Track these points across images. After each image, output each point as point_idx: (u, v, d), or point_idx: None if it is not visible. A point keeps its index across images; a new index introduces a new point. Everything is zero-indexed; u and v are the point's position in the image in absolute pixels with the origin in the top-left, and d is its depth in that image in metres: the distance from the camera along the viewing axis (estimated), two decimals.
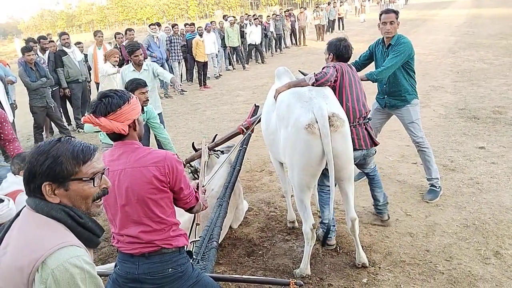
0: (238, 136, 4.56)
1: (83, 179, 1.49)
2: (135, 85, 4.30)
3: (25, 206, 1.49)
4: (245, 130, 4.44)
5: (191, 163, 4.79)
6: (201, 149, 4.57)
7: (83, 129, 5.80)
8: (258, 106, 4.80)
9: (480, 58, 12.04)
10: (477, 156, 5.36)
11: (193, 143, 4.96)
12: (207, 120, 8.80)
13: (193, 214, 2.88)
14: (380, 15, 4.28)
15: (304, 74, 4.14)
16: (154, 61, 10.66)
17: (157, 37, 10.81)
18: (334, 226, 3.74)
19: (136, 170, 2.00)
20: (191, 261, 2.23)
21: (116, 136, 2.07)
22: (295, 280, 2.42)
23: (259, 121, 4.29)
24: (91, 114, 2.00)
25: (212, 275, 2.49)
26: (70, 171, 1.46)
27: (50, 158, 1.43)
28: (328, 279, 3.31)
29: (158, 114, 5.34)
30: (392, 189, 4.73)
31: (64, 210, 1.45)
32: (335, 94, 3.42)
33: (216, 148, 4.70)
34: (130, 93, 2.12)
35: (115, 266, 2.18)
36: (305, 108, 3.05)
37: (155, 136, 4.85)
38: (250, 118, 4.55)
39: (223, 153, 4.64)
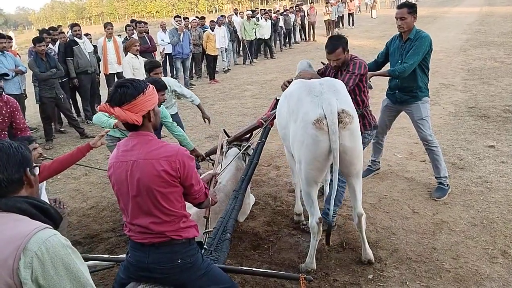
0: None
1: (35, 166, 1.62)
2: (158, 87, 4.25)
3: None
4: (264, 123, 4.43)
5: (210, 156, 4.79)
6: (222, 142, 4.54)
7: (91, 120, 5.82)
8: (279, 100, 4.78)
9: (491, 57, 11.91)
10: (487, 155, 5.32)
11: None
12: (215, 114, 8.79)
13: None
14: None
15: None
16: (174, 55, 10.70)
17: (182, 30, 10.74)
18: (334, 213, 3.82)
19: (147, 162, 2.00)
20: (202, 251, 2.26)
21: (131, 126, 2.06)
22: (305, 275, 2.42)
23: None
24: (107, 103, 2.01)
25: (223, 266, 2.50)
26: (31, 158, 1.58)
27: (19, 148, 1.52)
28: (334, 275, 3.31)
29: (174, 114, 5.37)
30: (400, 186, 4.71)
31: (27, 202, 1.47)
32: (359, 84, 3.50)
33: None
34: (147, 83, 2.10)
35: (127, 253, 2.21)
36: (315, 103, 3.02)
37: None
38: (271, 111, 4.52)
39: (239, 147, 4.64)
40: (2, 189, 1.46)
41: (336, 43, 3.65)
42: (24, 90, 7.50)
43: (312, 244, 3.31)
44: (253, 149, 4.74)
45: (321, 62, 4.25)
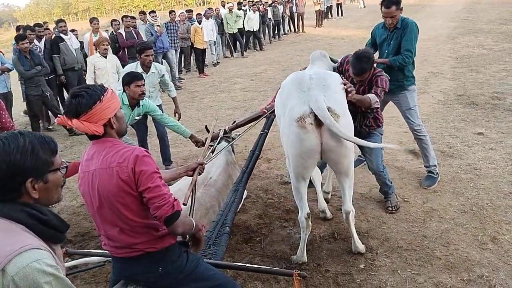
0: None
1: (59, 168, 1.49)
2: (131, 78, 4.23)
3: None
4: (267, 113, 4.36)
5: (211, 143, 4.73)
6: (214, 131, 4.47)
7: None
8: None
9: (479, 44, 11.96)
10: (476, 142, 5.35)
11: (206, 125, 4.93)
12: (205, 107, 8.76)
13: (189, 203, 2.64)
14: (380, 5, 4.19)
15: (333, 61, 4.09)
16: (155, 50, 10.57)
17: (157, 25, 10.65)
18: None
19: (103, 171, 1.88)
20: (188, 250, 2.18)
21: (93, 135, 1.94)
22: (299, 271, 2.40)
23: None
24: (64, 115, 1.89)
25: (215, 262, 2.46)
26: (49, 163, 1.46)
27: (29, 154, 1.39)
28: (326, 265, 3.32)
29: (158, 105, 5.28)
30: (390, 175, 4.67)
31: (24, 210, 1.39)
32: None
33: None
34: (106, 88, 1.96)
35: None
36: (301, 99, 2.94)
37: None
38: (275, 101, 4.45)
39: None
40: None
41: (365, 67, 3.51)
42: (10, 88, 7.36)
43: (302, 238, 3.31)
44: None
45: (330, 57, 4.14)
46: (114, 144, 1.94)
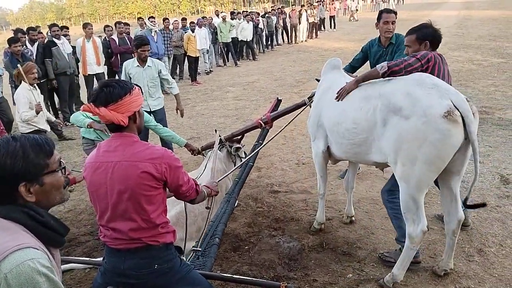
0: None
1: (56, 170, 1.49)
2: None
3: None
4: (263, 124, 4.35)
5: (205, 150, 4.74)
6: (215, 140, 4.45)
7: (69, 121, 5.67)
8: (281, 100, 4.69)
9: (469, 59, 12.16)
10: None
11: (215, 130, 4.99)
12: (196, 115, 8.76)
13: (182, 211, 2.85)
14: (380, 14, 4.25)
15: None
16: (150, 55, 10.60)
17: (155, 31, 10.67)
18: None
19: (131, 164, 1.95)
20: (182, 256, 2.23)
21: (115, 127, 2.01)
22: (286, 284, 2.39)
23: (280, 115, 4.31)
24: (91, 103, 1.95)
25: (203, 272, 2.46)
26: (43, 166, 1.45)
27: (19, 159, 1.40)
28: (313, 275, 3.31)
29: (159, 109, 5.38)
30: (379, 186, 4.73)
31: (23, 211, 1.40)
32: None
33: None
34: (133, 84, 2.06)
35: (103, 259, 2.16)
36: (436, 94, 2.67)
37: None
38: (271, 112, 4.42)
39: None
40: None
41: (415, 29, 3.50)
42: (1, 91, 7.30)
43: (408, 254, 2.99)
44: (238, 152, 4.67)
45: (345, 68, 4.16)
46: (139, 140, 2.06)
